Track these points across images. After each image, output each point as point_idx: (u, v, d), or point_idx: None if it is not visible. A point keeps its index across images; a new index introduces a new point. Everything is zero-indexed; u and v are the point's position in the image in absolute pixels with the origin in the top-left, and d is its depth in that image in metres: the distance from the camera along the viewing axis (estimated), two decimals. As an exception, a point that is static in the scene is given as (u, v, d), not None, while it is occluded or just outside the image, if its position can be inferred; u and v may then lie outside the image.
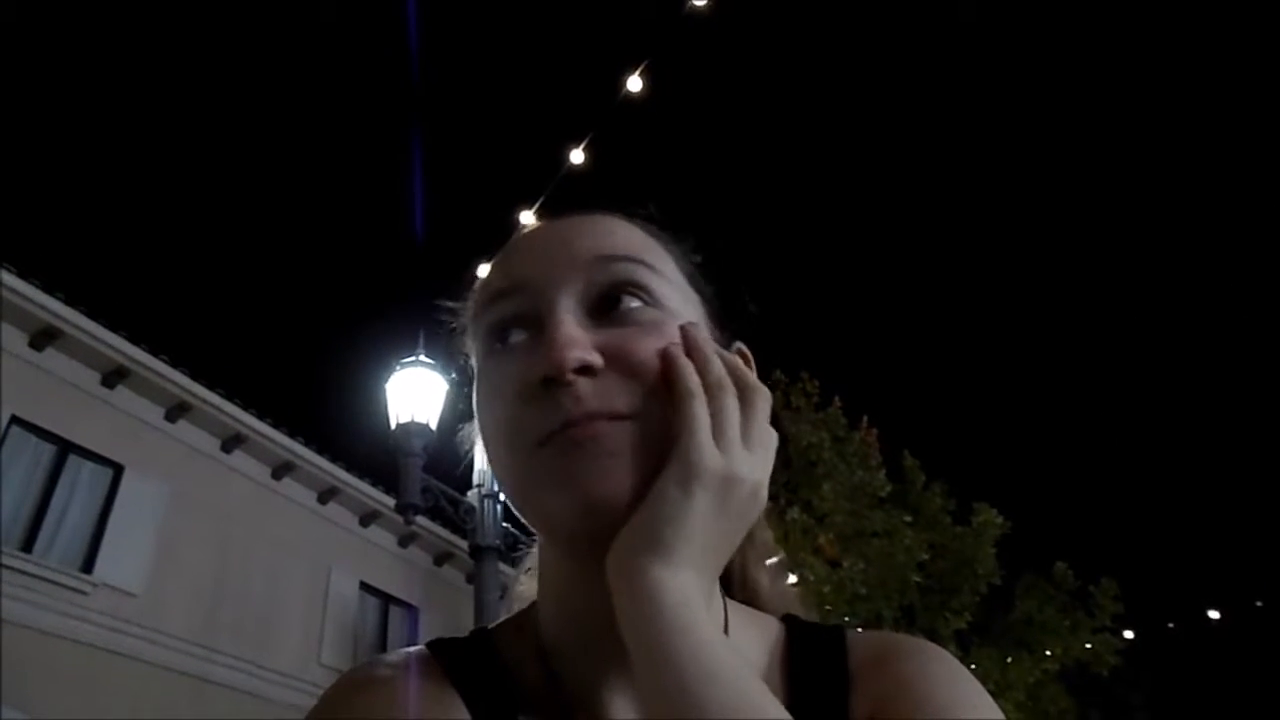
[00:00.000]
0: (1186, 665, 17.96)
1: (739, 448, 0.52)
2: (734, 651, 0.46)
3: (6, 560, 8.49)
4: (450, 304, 0.71)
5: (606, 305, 0.55)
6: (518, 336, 0.56)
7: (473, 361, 0.63)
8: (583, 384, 0.51)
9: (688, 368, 0.53)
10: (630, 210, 0.62)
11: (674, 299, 0.57)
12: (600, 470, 0.50)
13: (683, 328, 0.55)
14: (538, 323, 0.55)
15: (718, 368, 0.54)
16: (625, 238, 0.59)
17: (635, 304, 0.55)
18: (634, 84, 5.66)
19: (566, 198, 5.68)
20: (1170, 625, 13.51)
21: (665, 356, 0.53)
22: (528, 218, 5.75)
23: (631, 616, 0.46)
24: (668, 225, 0.63)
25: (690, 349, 0.54)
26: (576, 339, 0.52)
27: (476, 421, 0.63)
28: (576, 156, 5.79)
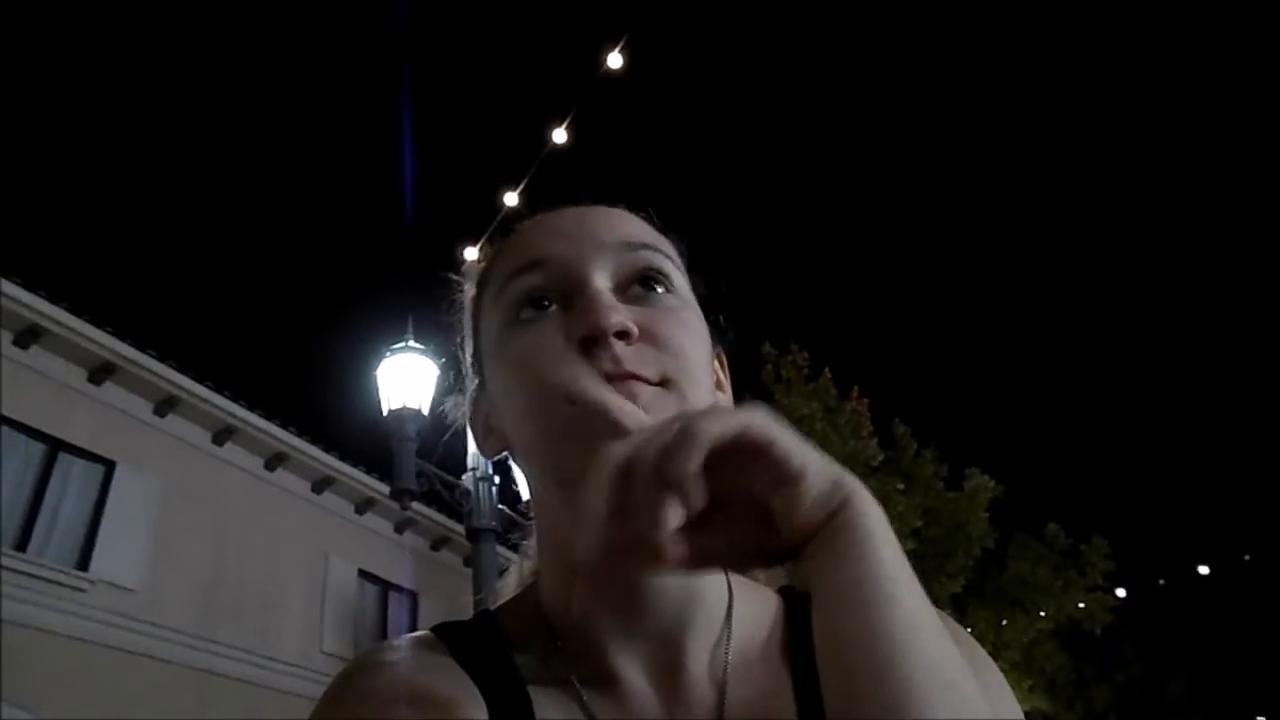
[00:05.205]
0: (1178, 620, 18.24)
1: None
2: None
3: (3, 560, 8.48)
4: (450, 276, 0.71)
5: (636, 288, 0.59)
6: (549, 305, 0.58)
7: (482, 334, 0.64)
8: (620, 346, 0.54)
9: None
10: (633, 208, 0.65)
11: (685, 288, 0.62)
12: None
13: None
14: (567, 295, 0.58)
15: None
16: (645, 228, 0.64)
17: (660, 290, 0.60)
18: (614, 61, 5.61)
19: (551, 178, 5.64)
20: (1161, 582, 13.69)
21: None
22: (512, 199, 5.71)
23: None
24: (664, 220, 0.67)
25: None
26: (616, 304, 0.56)
27: (491, 390, 0.63)
28: (559, 136, 5.75)
